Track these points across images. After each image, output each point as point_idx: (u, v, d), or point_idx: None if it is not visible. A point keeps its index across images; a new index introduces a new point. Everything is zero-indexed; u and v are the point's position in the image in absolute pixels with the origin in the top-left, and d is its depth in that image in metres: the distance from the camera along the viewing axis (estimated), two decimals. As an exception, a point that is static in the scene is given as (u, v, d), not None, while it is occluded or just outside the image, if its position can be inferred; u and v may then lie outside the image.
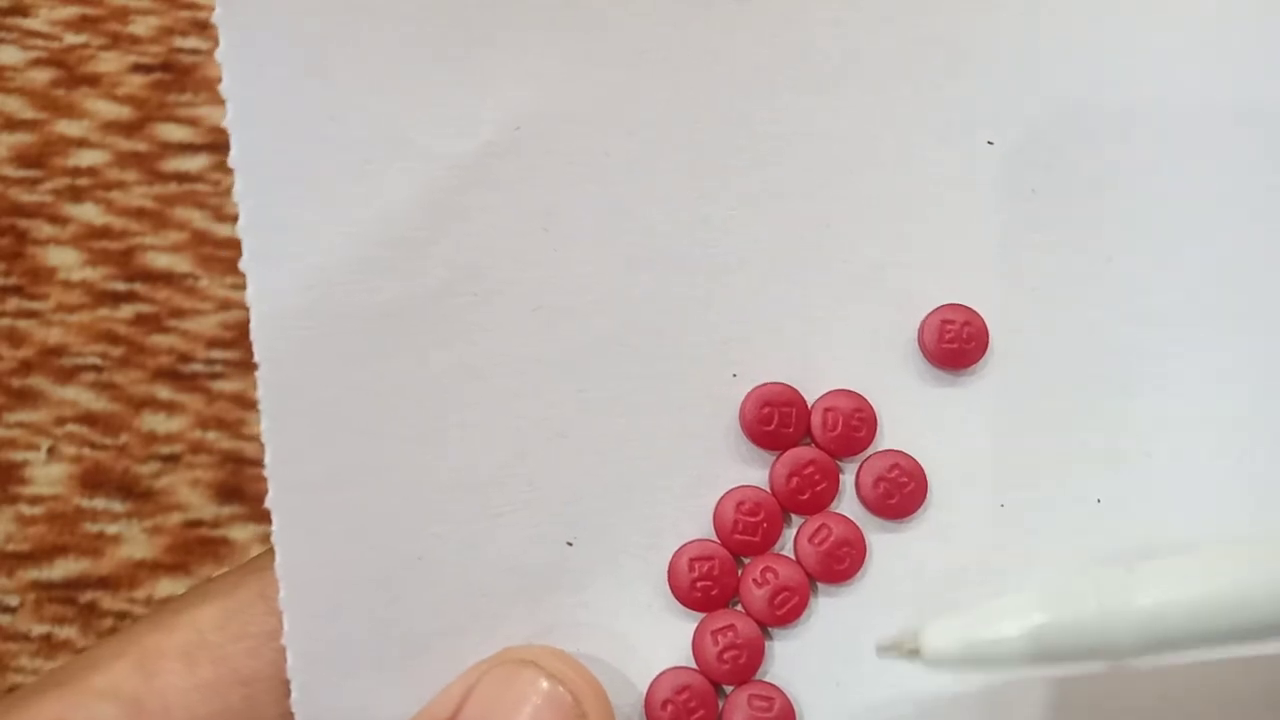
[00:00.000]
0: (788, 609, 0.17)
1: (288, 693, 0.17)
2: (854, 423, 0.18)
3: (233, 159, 0.17)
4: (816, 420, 0.18)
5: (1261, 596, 0.15)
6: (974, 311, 0.18)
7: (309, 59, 0.17)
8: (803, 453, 0.18)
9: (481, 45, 0.18)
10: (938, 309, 0.18)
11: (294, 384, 0.17)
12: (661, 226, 0.18)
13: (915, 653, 0.15)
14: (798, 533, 0.18)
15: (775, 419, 0.18)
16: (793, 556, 0.18)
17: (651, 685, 0.17)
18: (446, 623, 0.17)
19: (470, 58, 0.17)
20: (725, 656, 0.17)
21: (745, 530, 0.18)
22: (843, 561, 0.17)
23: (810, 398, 0.18)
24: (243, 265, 0.17)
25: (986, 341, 0.18)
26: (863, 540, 0.18)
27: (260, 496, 0.30)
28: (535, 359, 0.18)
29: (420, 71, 0.17)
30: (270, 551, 0.17)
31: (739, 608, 0.18)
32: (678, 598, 0.17)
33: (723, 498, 0.18)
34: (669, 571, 0.18)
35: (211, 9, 0.35)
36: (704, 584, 0.17)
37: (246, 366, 0.31)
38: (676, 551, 0.18)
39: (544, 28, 0.18)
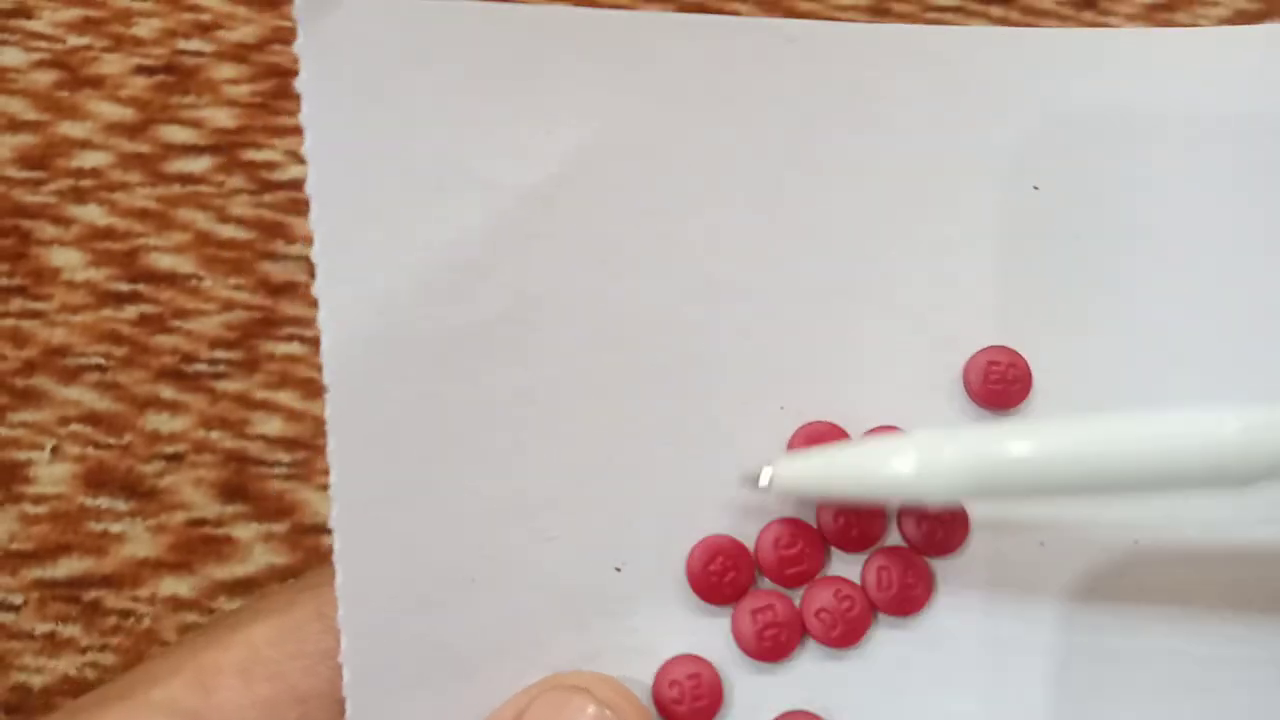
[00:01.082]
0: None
1: (342, 711, 0.17)
2: None
3: (310, 186, 0.17)
4: None
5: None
6: (1018, 354, 0.18)
7: (383, 90, 0.18)
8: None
9: (545, 80, 0.18)
10: (983, 350, 0.19)
11: (360, 406, 0.17)
12: (714, 260, 0.18)
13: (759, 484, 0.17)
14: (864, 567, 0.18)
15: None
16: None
17: (664, 666, 0.18)
18: (497, 644, 0.17)
19: (534, 92, 0.18)
20: (766, 635, 0.18)
21: (786, 562, 0.18)
22: (913, 590, 0.18)
23: (854, 432, 0.18)
24: (316, 290, 0.17)
25: (1030, 383, 0.18)
26: (929, 574, 0.18)
27: (263, 495, 0.31)
28: (590, 386, 0.18)
29: (487, 104, 0.18)
30: (325, 569, 0.17)
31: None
32: (697, 592, 0.18)
33: (761, 532, 0.18)
34: (686, 569, 0.18)
35: (214, 11, 0.35)
36: (719, 573, 0.18)
37: (249, 367, 0.31)
38: (691, 550, 0.18)
39: (605, 65, 0.18)
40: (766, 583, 0.18)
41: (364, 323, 0.17)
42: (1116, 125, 0.19)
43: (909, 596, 0.18)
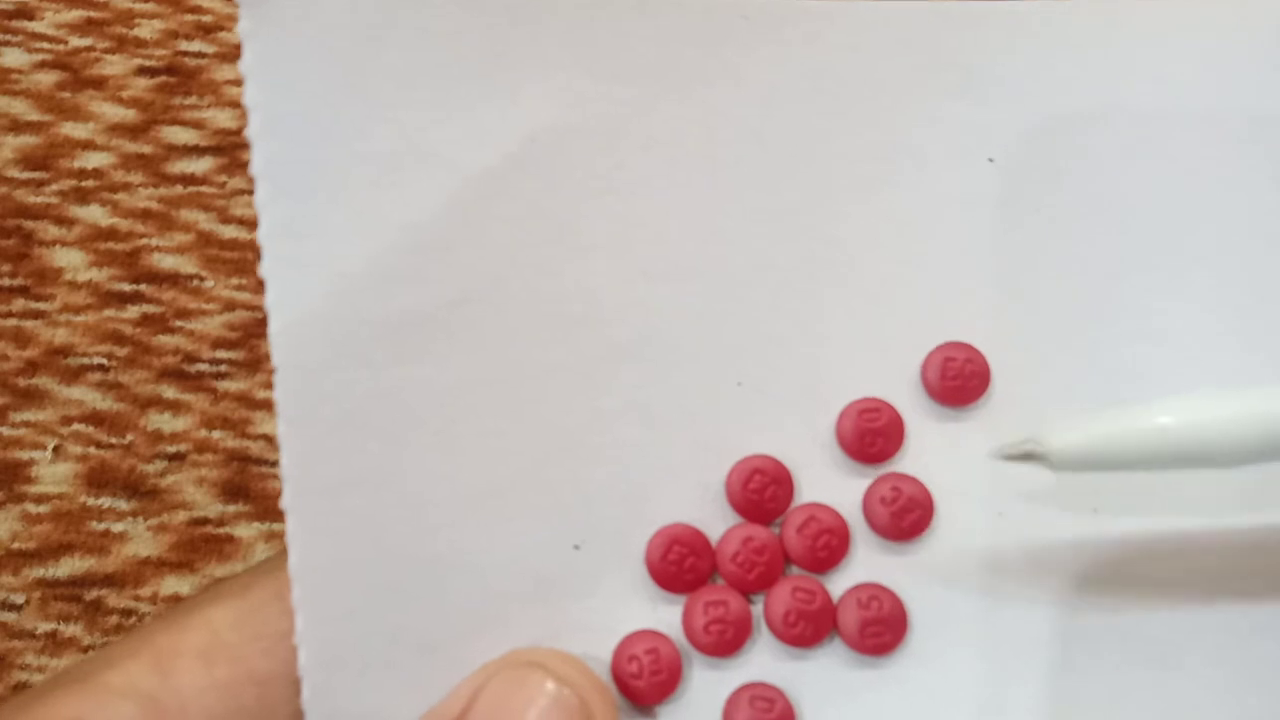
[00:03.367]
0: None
1: (300, 692, 0.17)
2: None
3: (254, 167, 0.17)
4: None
5: None
6: (975, 349, 0.18)
7: (333, 71, 0.17)
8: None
9: (502, 59, 0.18)
10: (940, 346, 0.18)
11: (311, 389, 0.17)
12: (675, 240, 0.18)
13: (1037, 456, 0.15)
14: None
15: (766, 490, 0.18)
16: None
17: (623, 642, 0.17)
18: (457, 624, 0.17)
19: (491, 71, 0.18)
20: (711, 629, 0.17)
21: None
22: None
23: (816, 413, 0.18)
24: (263, 271, 0.17)
25: (988, 378, 0.18)
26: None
27: (265, 495, 0.31)
28: (550, 367, 0.18)
29: (442, 84, 0.18)
30: (284, 552, 0.17)
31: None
32: (655, 580, 0.18)
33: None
34: (645, 557, 0.18)
35: (215, 12, 0.35)
36: (676, 563, 0.18)
37: (251, 366, 0.32)
38: (651, 538, 0.18)
39: (564, 44, 0.18)
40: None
41: (313, 305, 0.17)
42: (1080, 101, 0.19)
43: (882, 643, 0.18)
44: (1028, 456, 0.15)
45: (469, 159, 0.18)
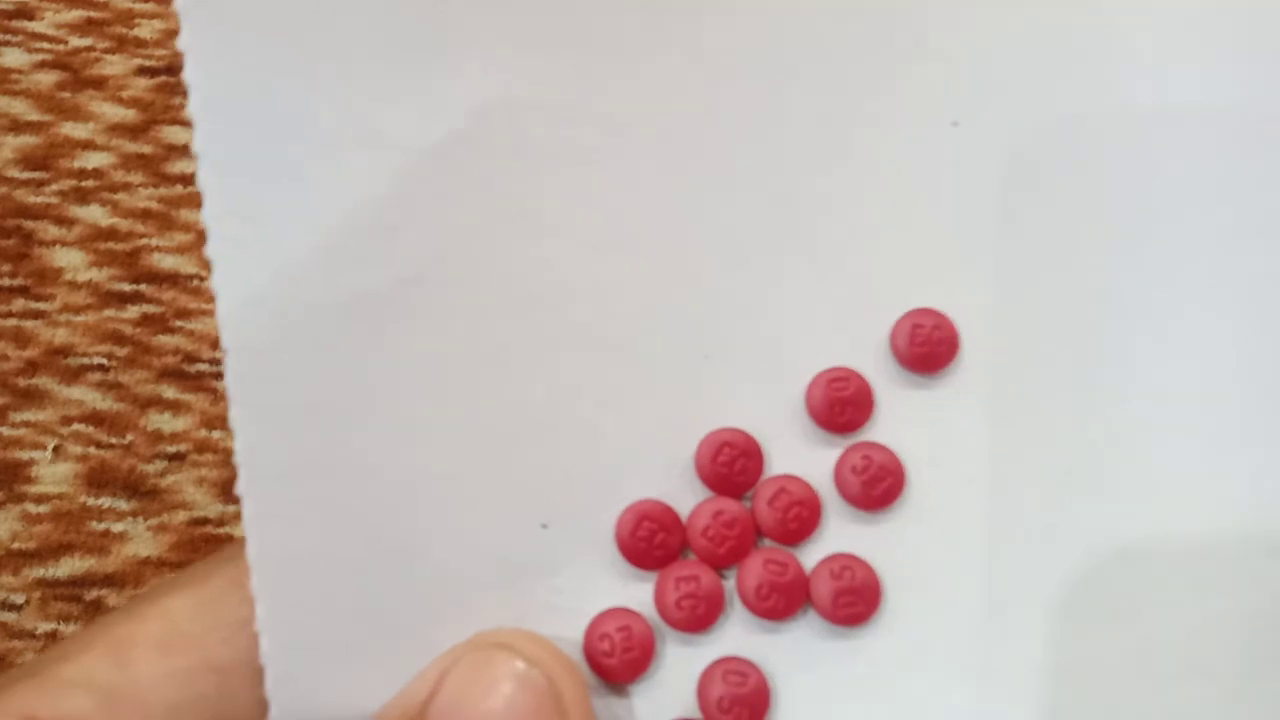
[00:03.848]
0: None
1: (262, 680, 0.17)
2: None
3: (196, 146, 0.17)
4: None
5: None
6: (944, 316, 0.18)
7: (274, 48, 0.17)
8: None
9: (449, 32, 0.17)
10: (909, 313, 0.18)
11: (263, 372, 0.17)
12: (630, 213, 0.18)
13: None
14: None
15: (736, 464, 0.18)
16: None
17: (594, 620, 0.17)
18: (421, 608, 0.17)
19: (437, 46, 0.17)
20: (683, 604, 0.17)
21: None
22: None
23: (784, 384, 0.18)
24: (208, 253, 0.17)
25: (957, 345, 0.18)
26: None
27: (264, 495, 0.31)
28: (507, 346, 0.17)
29: (386, 59, 0.17)
30: (243, 541, 0.17)
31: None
32: (625, 557, 0.17)
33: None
34: (615, 534, 0.18)
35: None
36: (646, 539, 0.17)
37: (251, 366, 0.32)
38: (620, 515, 0.18)
39: (511, 15, 0.18)
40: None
41: (262, 286, 0.17)
42: (1045, 57, 0.18)
43: (856, 614, 0.17)
44: None
45: (415, 136, 0.17)
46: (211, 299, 0.32)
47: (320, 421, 0.17)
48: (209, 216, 0.17)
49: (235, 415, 0.17)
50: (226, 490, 0.31)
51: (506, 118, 0.18)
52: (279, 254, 0.17)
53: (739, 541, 0.17)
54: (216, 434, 0.31)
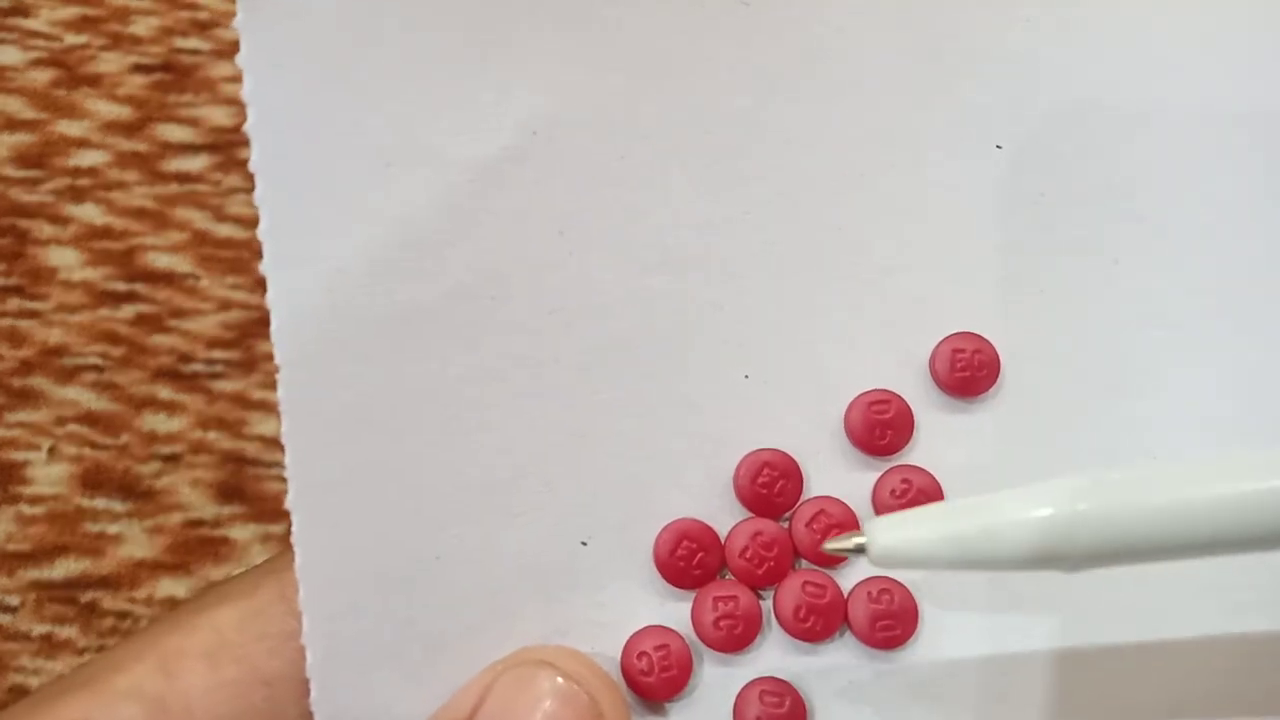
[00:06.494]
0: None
1: (307, 692, 0.17)
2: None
3: (254, 163, 0.17)
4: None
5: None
6: (985, 340, 0.18)
7: (330, 65, 0.17)
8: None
9: (499, 50, 0.18)
10: (948, 337, 0.18)
11: (314, 386, 0.17)
12: (675, 229, 0.18)
13: (863, 550, 0.15)
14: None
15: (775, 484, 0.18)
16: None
17: (631, 638, 0.17)
18: (464, 622, 0.17)
19: (488, 63, 0.18)
20: (721, 624, 0.17)
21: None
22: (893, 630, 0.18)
23: (824, 405, 0.18)
24: (263, 268, 0.17)
25: (998, 369, 0.18)
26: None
27: (261, 496, 0.30)
28: (551, 361, 0.18)
29: (439, 77, 0.18)
30: (288, 553, 0.17)
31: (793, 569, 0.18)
32: (663, 576, 0.18)
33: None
34: (654, 553, 0.18)
35: (211, 9, 0.35)
36: (685, 558, 0.18)
37: (247, 366, 0.31)
38: (659, 533, 0.18)
39: (559, 34, 0.18)
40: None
41: (315, 301, 0.17)
42: (1083, 81, 0.19)
43: (894, 637, 0.17)
44: (858, 550, 0.15)
45: (464, 151, 0.18)
46: (206, 299, 0.31)
47: (369, 436, 0.17)
48: (264, 232, 0.17)
49: (287, 429, 0.17)
50: (222, 491, 0.31)
51: (554, 136, 0.18)
52: (331, 269, 0.17)
53: (777, 563, 0.18)
54: (212, 435, 0.31)
